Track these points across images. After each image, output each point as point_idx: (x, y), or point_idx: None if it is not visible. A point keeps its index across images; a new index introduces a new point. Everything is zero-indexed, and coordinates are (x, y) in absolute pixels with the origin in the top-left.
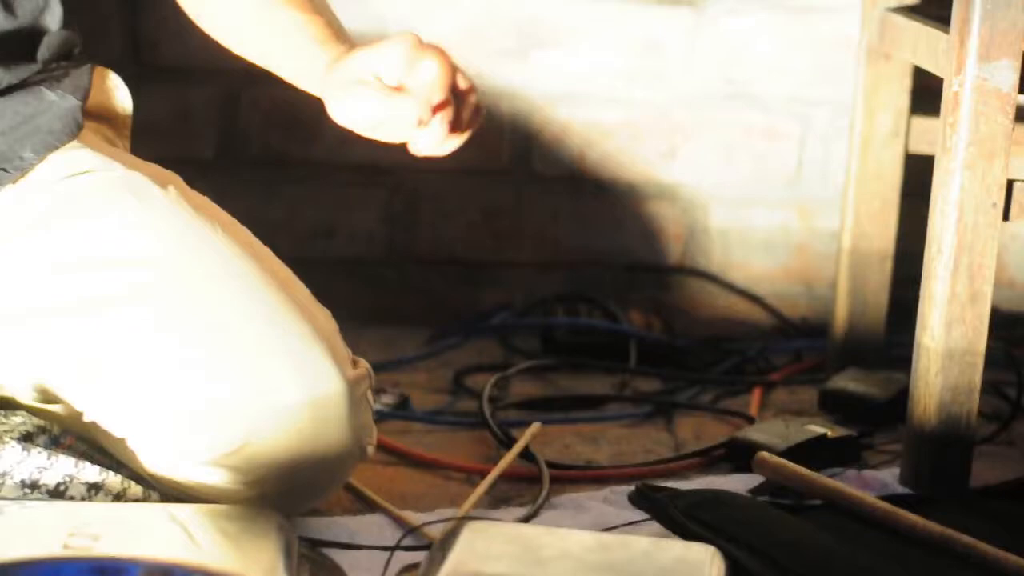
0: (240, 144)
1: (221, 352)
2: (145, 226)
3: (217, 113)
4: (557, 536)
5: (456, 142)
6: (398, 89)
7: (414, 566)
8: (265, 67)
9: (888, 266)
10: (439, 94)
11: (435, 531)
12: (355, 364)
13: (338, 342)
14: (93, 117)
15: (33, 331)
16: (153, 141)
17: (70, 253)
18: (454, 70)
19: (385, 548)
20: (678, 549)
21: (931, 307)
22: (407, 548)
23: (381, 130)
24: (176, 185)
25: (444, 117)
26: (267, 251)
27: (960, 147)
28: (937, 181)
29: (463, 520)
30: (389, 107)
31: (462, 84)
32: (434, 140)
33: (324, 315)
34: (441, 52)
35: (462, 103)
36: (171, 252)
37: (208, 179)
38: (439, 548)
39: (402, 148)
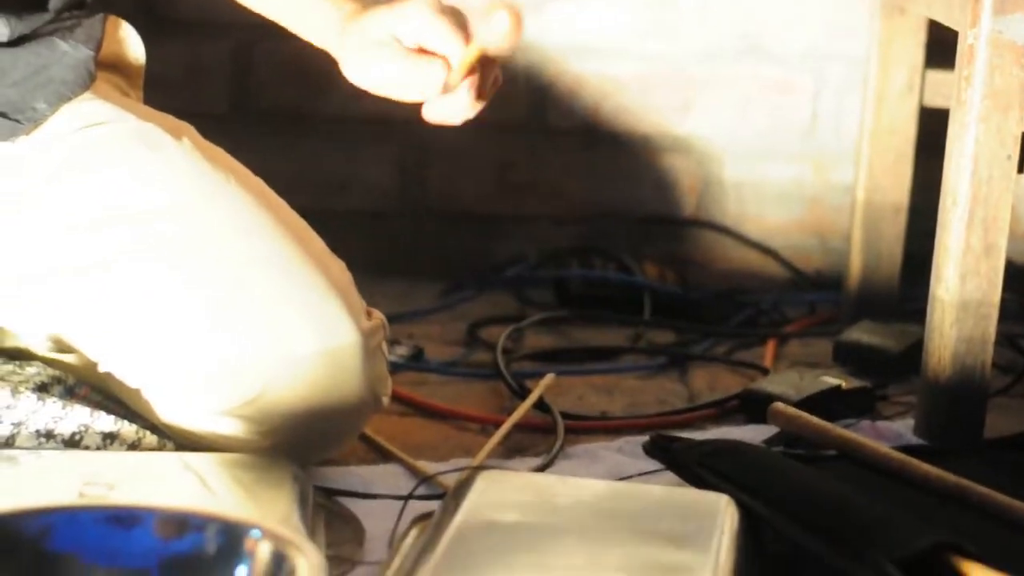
0: (253, 97)
1: (236, 303)
2: (159, 178)
3: (230, 66)
4: (570, 485)
5: (472, 111)
6: (419, 51)
7: (428, 515)
8: (273, 20)
9: (902, 219)
10: (467, 61)
11: (449, 480)
12: (369, 315)
13: (353, 293)
14: (106, 68)
15: (49, 283)
16: (166, 95)
17: (85, 205)
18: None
19: (399, 497)
20: (691, 497)
21: (946, 259)
22: (421, 497)
23: (400, 91)
24: (190, 136)
25: (471, 83)
26: (281, 202)
27: (975, 100)
28: (952, 134)
29: (477, 469)
30: (413, 69)
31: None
32: (455, 107)
33: (339, 266)
34: (461, 14)
35: (483, 70)
36: (185, 203)
37: (221, 133)
38: (452, 497)
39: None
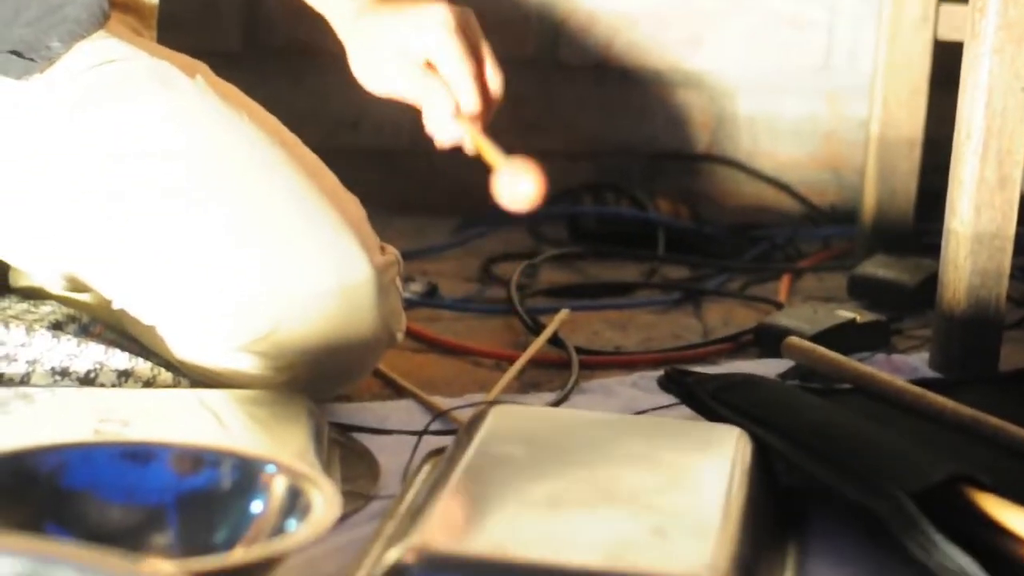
0: (266, 36)
1: (250, 238)
2: (173, 115)
3: (243, 5)
4: (582, 418)
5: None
6: (427, 64)
7: (441, 450)
8: None
9: (917, 153)
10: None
11: (464, 416)
12: (383, 251)
13: (366, 228)
14: (119, 7)
15: (63, 221)
16: (179, 34)
17: (99, 143)
18: (484, 58)
19: (414, 433)
20: (704, 430)
21: (960, 192)
22: (436, 432)
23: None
24: (203, 74)
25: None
26: (295, 139)
27: (989, 31)
28: (966, 66)
29: (490, 404)
30: (420, 96)
31: (490, 66)
32: (461, 135)
33: (352, 202)
34: (474, 27)
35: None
36: (200, 140)
37: (234, 71)
38: (465, 431)
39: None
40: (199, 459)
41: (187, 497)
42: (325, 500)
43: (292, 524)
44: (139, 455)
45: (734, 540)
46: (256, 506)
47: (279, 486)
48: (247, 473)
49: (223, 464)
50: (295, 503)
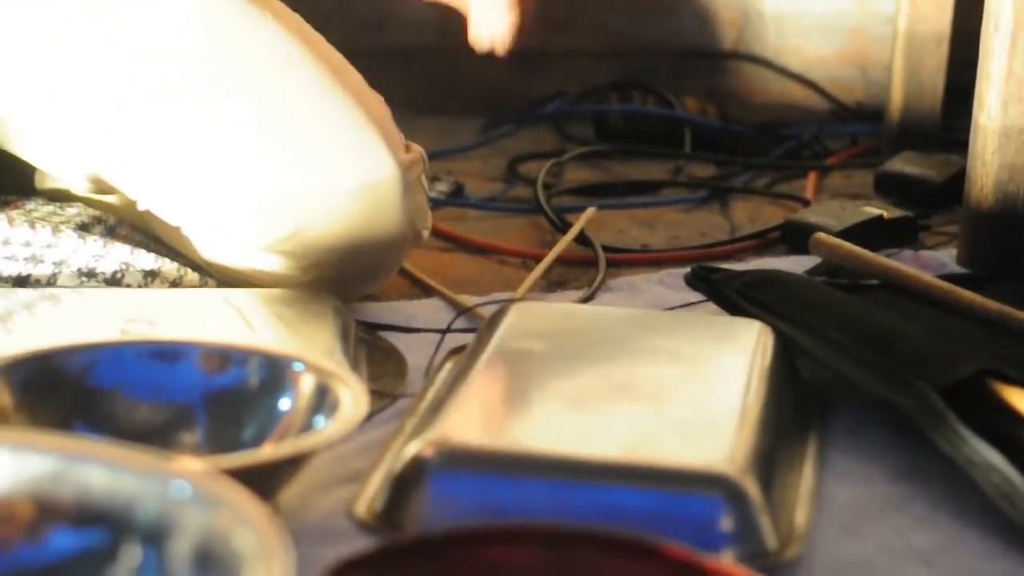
0: None
1: (274, 137)
2: (196, 13)
3: None
4: (602, 313)
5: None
6: None
7: (464, 347)
8: None
9: (944, 48)
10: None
11: (490, 313)
12: (408, 149)
13: (391, 127)
14: None
15: (87, 121)
16: None
17: (123, 43)
18: None
19: (440, 331)
20: (724, 324)
21: (988, 86)
22: (461, 330)
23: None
24: None
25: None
26: (319, 37)
27: None
28: None
29: (512, 301)
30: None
31: None
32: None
33: (377, 100)
34: None
35: None
36: (224, 40)
37: None
38: (487, 327)
39: None
40: (227, 357)
41: (215, 395)
42: (353, 397)
43: (320, 421)
44: (167, 354)
45: (753, 433)
46: (284, 403)
47: (307, 384)
48: (275, 371)
49: (251, 362)
50: (323, 400)
